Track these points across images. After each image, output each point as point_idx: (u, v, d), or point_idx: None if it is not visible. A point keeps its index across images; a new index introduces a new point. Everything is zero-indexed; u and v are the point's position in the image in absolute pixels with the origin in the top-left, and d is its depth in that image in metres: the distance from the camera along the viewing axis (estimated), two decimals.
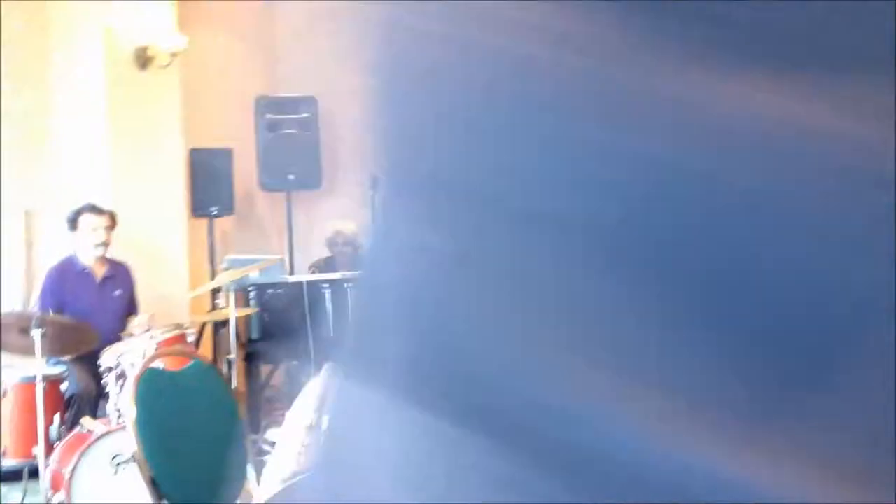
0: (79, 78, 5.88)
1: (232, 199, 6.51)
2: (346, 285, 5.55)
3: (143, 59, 5.97)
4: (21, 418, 3.89)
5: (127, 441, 3.63)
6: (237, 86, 7.03)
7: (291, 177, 6.78)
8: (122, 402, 3.85)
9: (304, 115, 6.91)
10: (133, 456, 3.60)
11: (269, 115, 6.84)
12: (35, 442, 3.75)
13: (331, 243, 6.41)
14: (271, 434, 2.43)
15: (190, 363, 2.95)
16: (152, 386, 2.64)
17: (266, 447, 2.40)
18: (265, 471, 1.44)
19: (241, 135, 6.79)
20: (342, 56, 5.93)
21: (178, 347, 3.93)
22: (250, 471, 2.76)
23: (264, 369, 5.88)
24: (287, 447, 1.43)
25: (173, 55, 6.08)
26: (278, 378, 6.18)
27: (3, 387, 3.91)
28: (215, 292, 5.83)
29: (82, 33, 5.87)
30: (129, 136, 5.88)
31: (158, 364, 3.13)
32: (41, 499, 3.80)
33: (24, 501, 4.25)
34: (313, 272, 6.30)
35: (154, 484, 2.46)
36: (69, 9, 5.86)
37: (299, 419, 1.40)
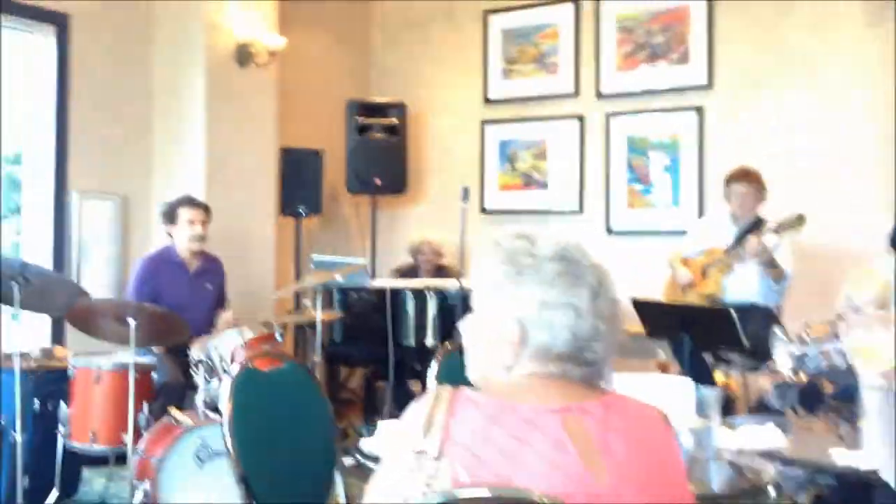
0: (180, 72, 6.00)
1: (320, 199, 6.57)
2: (428, 294, 5.56)
3: (243, 57, 6.07)
4: (111, 405, 3.95)
5: (214, 435, 3.70)
6: (330, 88, 7.10)
7: (377, 181, 6.82)
8: (214, 396, 3.91)
9: (394, 120, 6.95)
10: (219, 451, 3.67)
11: (358, 119, 6.90)
12: (124, 429, 3.82)
13: (415, 251, 6.42)
14: (364, 443, 2.42)
15: (284, 364, 2.97)
16: (248, 385, 2.66)
17: (360, 458, 2.39)
18: (369, 487, 1.41)
19: (332, 136, 6.86)
20: (438, 67, 6.07)
21: (269, 348, 3.98)
22: (336, 475, 2.77)
23: (343, 372, 5.91)
24: (388, 468, 1.38)
25: (272, 54, 6.18)
26: (355, 382, 6.22)
27: (96, 373, 4.00)
28: (299, 292, 5.89)
29: (185, 29, 5.99)
30: (225, 132, 5.99)
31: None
32: (126, 486, 3.88)
33: (109, 487, 4.36)
34: (396, 278, 6.33)
35: (245, 482, 2.47)
36: (173, 6, 6.00)
37: (404, 440, 1.36)
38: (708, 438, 2.36)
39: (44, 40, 5.63)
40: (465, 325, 1.49)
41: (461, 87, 7.20)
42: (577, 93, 6.72)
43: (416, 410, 1.37)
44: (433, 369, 2.97)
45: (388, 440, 1.39)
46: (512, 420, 1.33)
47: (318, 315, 4.73)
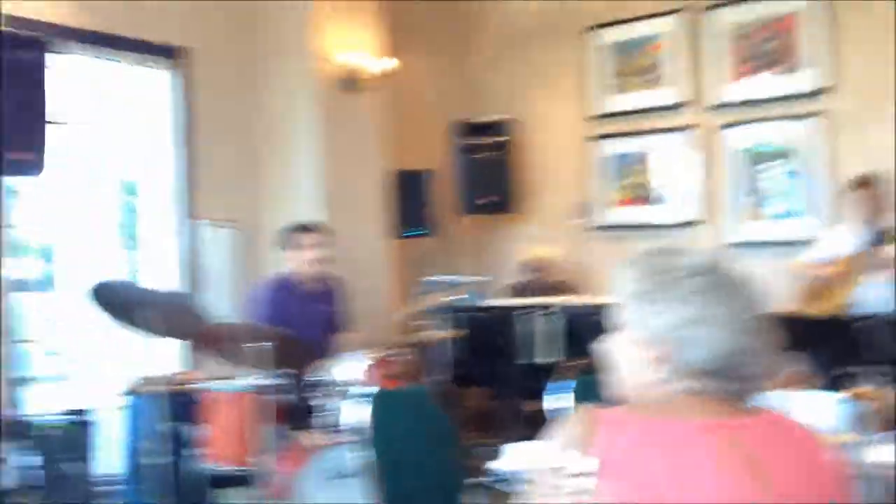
0: (291, 100, 6.16)
1: (432, 220, 6.62)
2: (542, 312, 5.52)
3: (352, 82, 6.19)
4: (240, 427, 4.04)
5: (341, 456, 3.75)
6: (437, 108, 7.17)
7: (486, 200, 6.84)
8: (340, 417, 3.97)
9: (499, 138, 6.96)
10: (347, 472, 3.71)
11: (464, 139, 6.94)
12: (253, 450, 3.90)
13: (527, 268, 6.40)
14: (493, 464, 2.41)
15: (411, 385, 3.00)
16: (380, 406, 2.69)
17: (486, 479, 2.39)
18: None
19: (441, 157, 6.92)
20: (541, 84, 6.05)
21: (393, 369, 4.02)
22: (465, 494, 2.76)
23: (462, 393, 5.91)
24: (534, 488, 1.36)
25: (379, 78, 6.28)
26: (473, 401, 6.21)
27: (225, 395, 4.09)
28: (414, 313, 5.94)
29: (295, 57, 6.15)
30: (337, 157, 6.11)
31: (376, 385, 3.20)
32: None
33: None
34: (509, 297, 6.31)
35: (380, 501, 2.50)
36: (282, 31, 6.17)
37: (554, 461, 1.33)
38: (857, 454, 2.28)
39: (165, 74, 5.86)
40: (607, 344, 1.47)
41: (565, 102, 7.16)
42: (687, 104, 6.61)
43: (563, 429, 1.35)
44: (554, 388, 2.95)
45: (534, 461, 1.37)
46: (666, 439, 1.31)
47: (437, 336, 4.75)
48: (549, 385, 2.96)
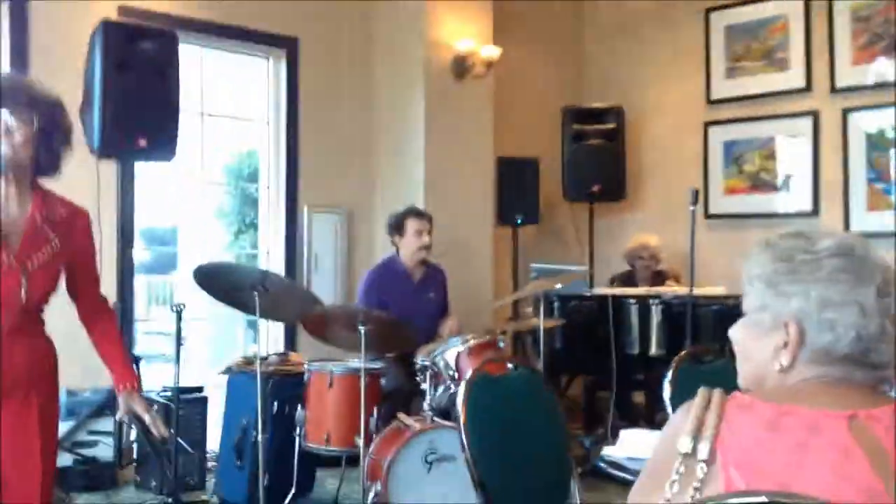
0: (400, 87, 6.18)
1: (537, 208, 6.55)
2: (651, 301, 5.39)
3: (461, 69, 6.16)
4: (344, 408, 4.07)
5: (442, 440, 3.73)
6: (546, 95, 7.08)
7: (595, 187, 6.72)
8: (442, 401, 3.96)
9: (610, 125, 6.82)
10: (447, 455, 3.69)
11: (574, 126, 6.82)
12: (356, 432, 3.92)
13: (632, 256, 6.26)
14: (608, 450, 2.33)
15: (515, 370, 2.94)
16: (483, 390, 2.64)
17: (602, 465, 2.31)
18: (633, 492, 1.34)
19: (548, 144, 6.83)
20: (654, 69, 5.90)
21: (496, 354, 3.97)
22: (573, 483, 2.69)
23: (563, 381, 5.83)
24: (654, 472, 1.32)
25: (488, 65, 6.23)
26: (575, 391, 6.12)
27: (329, 377, 4.13)
28: (517, 300, 5.88)
29: (404, 45, 6.16)
30: (444, 144, 6.10)
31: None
32: (357, 486, 3.98)
33: (342, 487, 4.50)
34: (614, 285, 6.19)
35: (483, 487, 2.44)
36: (393, 23, 6.18)
37: (672, 444, 1.29)
38: None
39: (275, 64, 5.95)
40: (735, 329, 1.43)
41: (680, 88, 6.97)
42: (809, 88, 6.33)
43: (685, 414, 1.32)
44: (668, 378, 2.85)
45: (654, 447, 1.35)
46: (793, 426, 1.26)
47: (541, 323, 4.67)
48: (663, 375, 2.86)
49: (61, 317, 4.99)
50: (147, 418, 2.64)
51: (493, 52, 6.22)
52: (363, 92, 6.24)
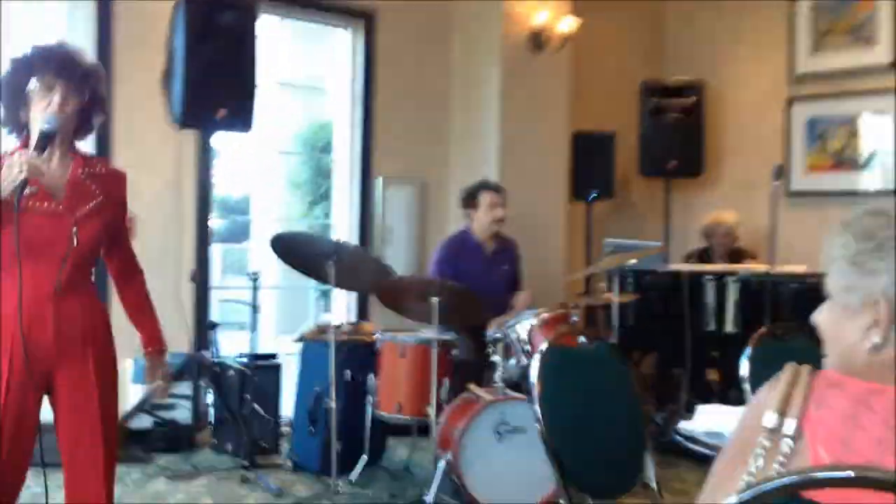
0: (476, 61, 6.15)
1: (612, 183, 6.47)
2: (726, 278, 5.29)
3: (537, 43, 6.10)
4: (415, 378, 4.10)
5: (513, 411, 3.73)
6: (623, 69, 6.97)
7: (672, 163, 6.61)
8: (514, 372, 3.96)
9: (690, 100, 6.69)
10: (518, 427, 3.70)
11: (653, 100, 6.71)
12: (427, 401, 3.95)
13: (708, 233, 6.15)
14: (684, 425, 2.30)
15: (591, 343, 2.93)
16: (557, 363, 2.62)
17: (679, 438, 2.28)
18: (716, 464, 1.33)
19: (624, 119, 6.73)
20: (736, 42, 5.74)
21: (568, 328, 3.95)
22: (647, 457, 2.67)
23: (635, 357, 5.78)
24: (738, 445, 1.31)
25: (565, 39, 6.15)
26: (647, 367, 6.06)
27: (400, 347, 4.16)
28: (590, 275, 5.83)
29: (482, 18, 6.12)
30: (519, 118, 6.05)
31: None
32: (428, 455, 4.02)
33: (413, 456, 4.55)
34: (690, 262, 6.09)
35: (557, 459, 2.44)
36: None
37: (757, 418, 1.27)
38: None
39: (352, 35, 5.97)
40: (820, 314, 1.40)
41: (763, 63, 6.79)
42: (895, 65, 6.10)
43: (771, 389, 1.32)
44: (746, 356, 2.81)
45: (731, 419, 1.34)
46: (884, 404, 1.24)
47: (615, 298, 4.63)
48: (738, 352, 2.81)
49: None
50: (154, 384, 2.76)
51: (570, 24, 6.14)
52: (439, 64, 6.23)
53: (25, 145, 2.49)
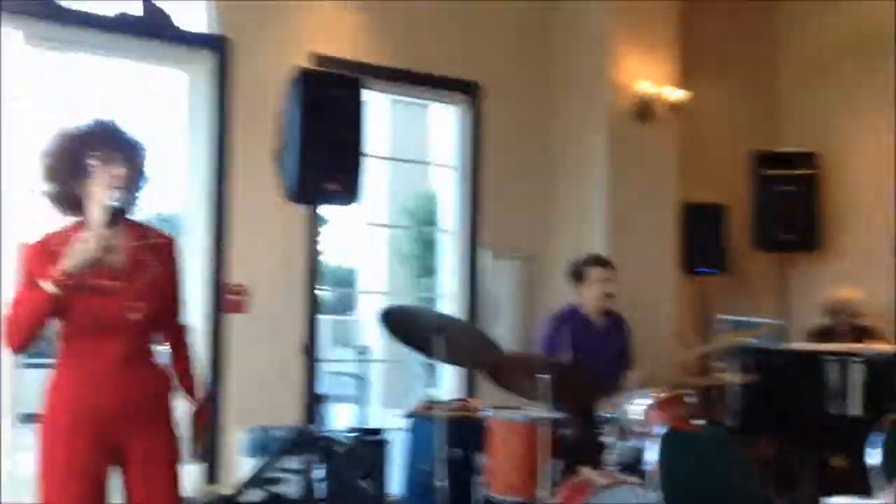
0: (581, 131, 6.12)
1: (724, 256, 6.29)
2: (851, 358, 5.03)
3: (645, 112, 6.03)
4: (524, 458, 3.97)
5: (628, 496, 3.57)
6: (734, 139, 6.83)
7: (788, 236, 6.40)
8: (627, 455, 3.81)
9: (805, 171, 6.49)
10: None
11: (766, 171, 6.54)
12: (536, 482, 3.83)
13: (831, 310, 5.89)
14: None
15: (709, 427, 2.79)
16: (676, 447, 2.50)
17: None
18: None
19: (736, 190, 6.57)
20: (852, 111, 5.54)
21: (686, 410, 3.79)
22: None
23: (753, 440, 5.52)
24: None
25: (673, 108, 6.08)
26: (765, 451, 5.78)
27: (509, 425, 4.05)
28: (706, 353, 5.63)
29: (587, 88, 6.11)
30: (626, 189, 5.98)
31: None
32: None
33: None
34: (810, 340, 5.83)
35: None
36: (576, 61, 6.14)
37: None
38: None
39: (457, 108, 6.02)
40: None
41: (881, 130, 6.53)
42: None
43: None
44: (875, 443, 2.62)
45: None
46: None
47: (731, 378, 4.44)
48: (870, 438, 2.63)
49: (253, 358, 5.18)
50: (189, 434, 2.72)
51: (679, 94, 6.06)
52: (545, 135, 6.22)
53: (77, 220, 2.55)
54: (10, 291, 2.59)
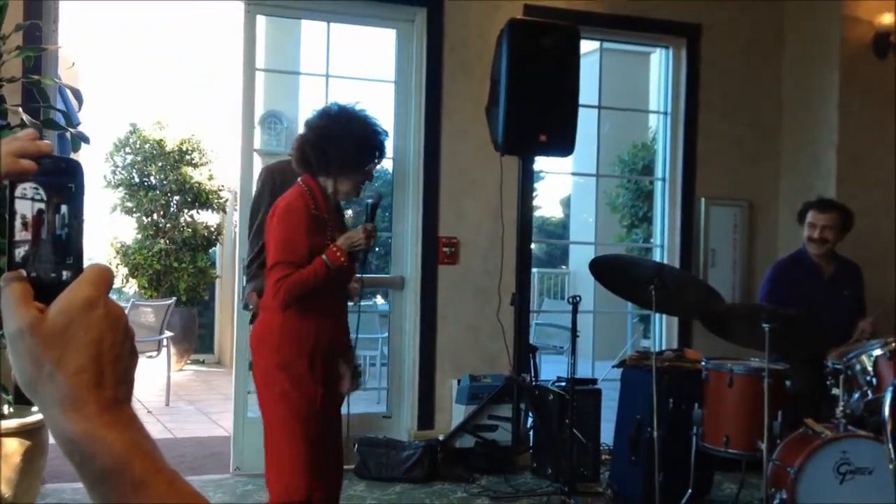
0: (812, 70, 5.74)
1: None
2: None
3: (883, 47, 5.57)
4: (744, 410, 3.84)
5: (857, 450, 3.37)
6: None
7: None
8: (855, 409, 3.59)
9: None
10: (863, 468, 3.33)
11: None
12: (757, 435, 3.68)
13: None
14: None
15: None
16: None
17: None
18: None
19: None
20: None
21: None
22: None
23: None
24: None
25: None
26: None
27: (728, 376, 3.92)
28: None
29: (818, 25, 5.71)
30: (860, 129, 5.56)
31: None
32: (759, 493, 3.74)
33: (741, 493, 4.27)
34: None
35: None
36: (806, 3, 5.76)
37: None
38: None
39: (674, 52, 5.81)
40: None
41: None
42: None
43: None
44: None
45: None
46: None
47: None
48: None
49: (466, 312, 5.27)
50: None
51: None
52: (768, 77, 5.88)
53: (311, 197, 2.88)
54: (277, 250, 2.87)
